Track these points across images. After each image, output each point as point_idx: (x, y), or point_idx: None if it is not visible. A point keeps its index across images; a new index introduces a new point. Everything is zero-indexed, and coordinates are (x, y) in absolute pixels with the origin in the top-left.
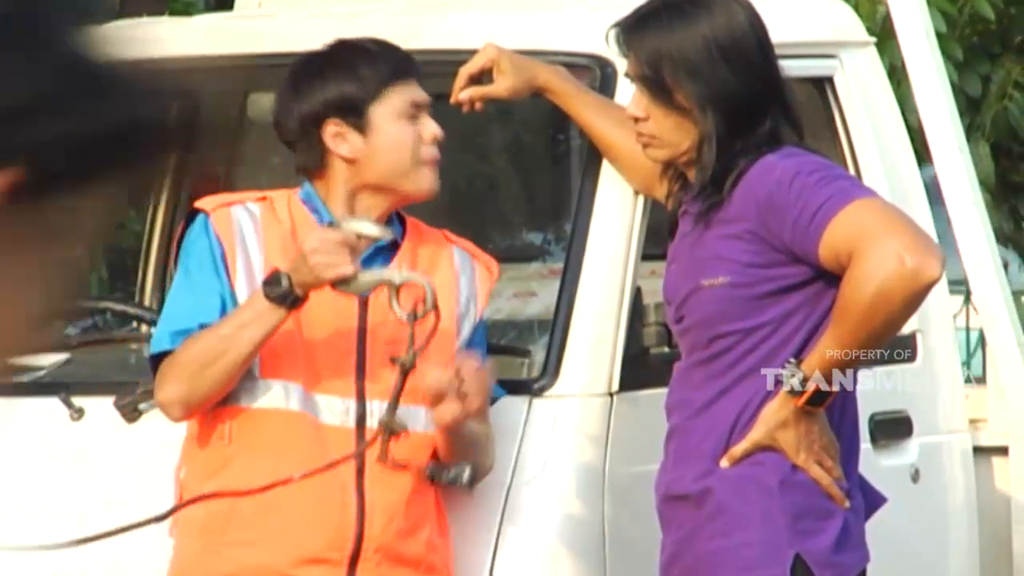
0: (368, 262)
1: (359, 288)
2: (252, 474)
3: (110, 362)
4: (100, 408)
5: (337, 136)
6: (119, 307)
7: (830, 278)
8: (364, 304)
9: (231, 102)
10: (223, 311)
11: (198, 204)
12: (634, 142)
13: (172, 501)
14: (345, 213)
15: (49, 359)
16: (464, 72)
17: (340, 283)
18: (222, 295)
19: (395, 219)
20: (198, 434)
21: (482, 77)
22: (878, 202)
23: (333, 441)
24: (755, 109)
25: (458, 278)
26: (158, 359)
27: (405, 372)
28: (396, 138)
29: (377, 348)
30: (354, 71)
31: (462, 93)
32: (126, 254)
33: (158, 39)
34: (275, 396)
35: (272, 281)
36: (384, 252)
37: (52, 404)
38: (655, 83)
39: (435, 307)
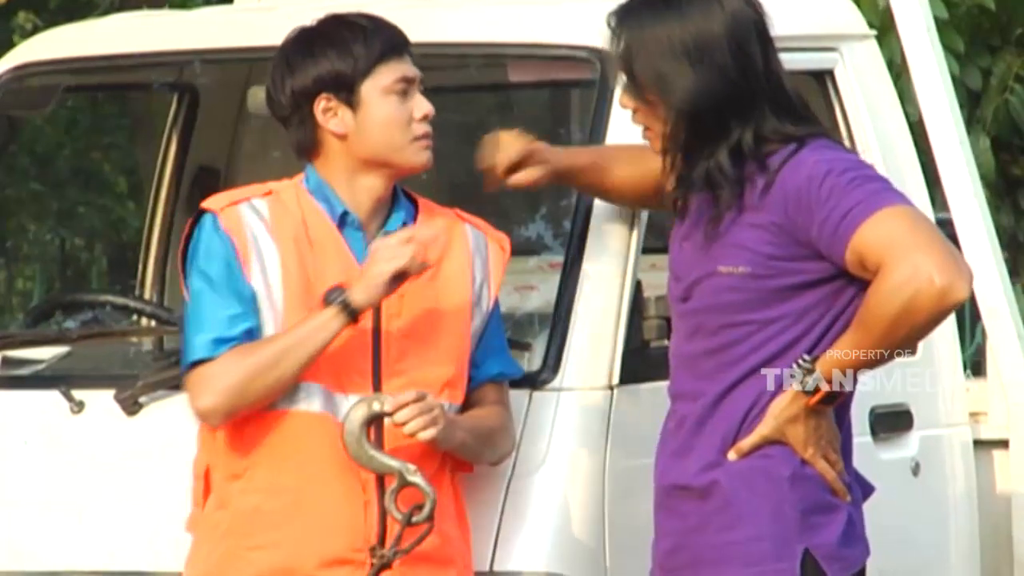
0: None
1: (371, 464)
2: (278, 477)
3: (110, 355)
4: (100, 401)
5: (328, 111)
6: (119, 301)
7: (850, 277)
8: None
9: (231, 95)
10: (255, 311)
11: (204, 204)
12: (621, 173)
13: (191, 497)
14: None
15: (49, 352)
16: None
17: (356, 459)
18: (252, 295)
19: (403, 198)
20: (220, 434)
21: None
22: (909, 211)
23: None
24: (724, 110)
25: (472, 261)
26: (193, 363)
27: (381, 567)
28: (387, 115)
29: (392, 344)
30: (347, 47)
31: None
32: (126, 248)
33: (157, 32)
34: (297, 397)
35: (331, 293)
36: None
37: (52, 397)
38: (629, 77)
39: (431, 518)
